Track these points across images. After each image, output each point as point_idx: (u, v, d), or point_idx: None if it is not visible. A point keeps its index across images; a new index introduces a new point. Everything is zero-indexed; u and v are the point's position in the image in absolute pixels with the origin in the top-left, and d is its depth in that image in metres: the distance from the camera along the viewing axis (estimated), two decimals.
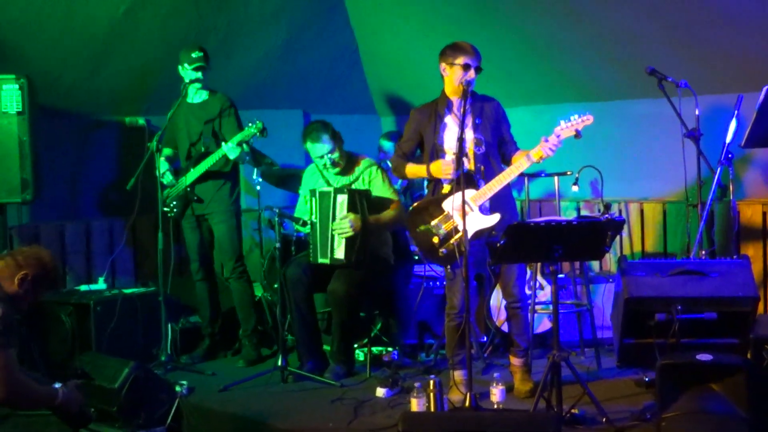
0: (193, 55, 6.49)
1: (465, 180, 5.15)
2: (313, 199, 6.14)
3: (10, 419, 4.26)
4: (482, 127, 5.37)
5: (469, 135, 5.35)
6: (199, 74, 6.49)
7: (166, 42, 7.16)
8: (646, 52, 6.57)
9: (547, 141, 5.14)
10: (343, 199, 5.99)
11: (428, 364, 6.24)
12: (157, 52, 7.22)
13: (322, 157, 6.16)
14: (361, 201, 6.00)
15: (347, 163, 6.27)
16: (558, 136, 5.10)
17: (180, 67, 6.57)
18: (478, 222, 5.27)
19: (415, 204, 5.53)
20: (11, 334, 3.97)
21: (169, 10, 7.05)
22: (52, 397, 4.16)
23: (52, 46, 6.85)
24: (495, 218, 5.28)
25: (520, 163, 5.24)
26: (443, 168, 5.30)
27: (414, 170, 5.56)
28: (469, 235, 5.10)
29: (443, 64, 5.43)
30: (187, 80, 6.52)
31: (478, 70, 5.33)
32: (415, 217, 5.45)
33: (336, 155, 6.18)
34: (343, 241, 5.96)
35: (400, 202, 6.27)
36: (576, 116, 5.09)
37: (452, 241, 5.26)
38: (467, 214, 5.11)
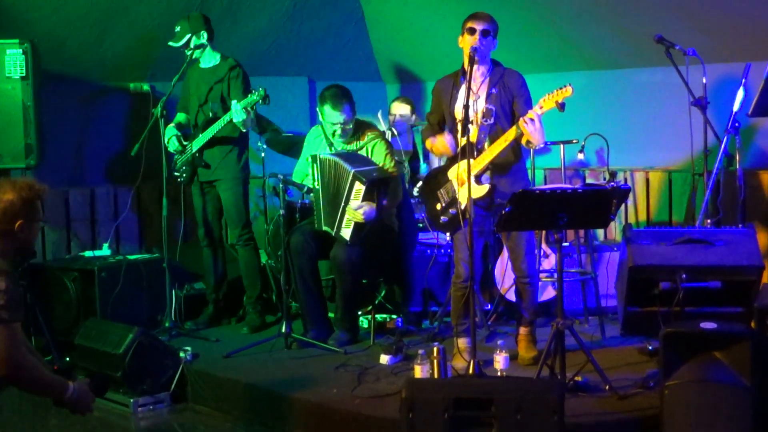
0: (175, 29, 6.53)
1: (468, 150, 5.12)
2: (315, 165, 6.06)
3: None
4: (496, 97, 5.33)
5: (480, 104, 5.32)
6: (189, 47, 6.48)
7: (170, 8, 7.12)
8: (654, 20, 6.51)
9: (531, 111, 5.16)
10: (360, 188, 5.86)
11: (432, 332, 6.24)
12: (161, 17, 7.18)
13: (335, 124, 6.10)
14: (379, 189, 5.93)
15: (355, 130, 6.22)
16: (540, 107, 5.11)
17: None
18: (472, 191, 5.23)
19: (430, 171, 5.69)
20: (15, 308, 3.85)
21: None
22: (62, 389, 3.92)
23: (57, 11, 6.82)
24: (484, 188, 5.31)
25: (507, 134, 5.24)
26: (441, 147, 5.47)
27: (428, 144, 5.60)
28: (463, 205, 5.18)
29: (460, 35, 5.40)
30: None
31: (485, 33, 5.27)
32: (427, 185, 5.65)
33: (350, 126, 6.14)
34: (353, 224, 5.92)
35: (398, 177, 6.19)
36: (556, 89, 5.10)
37: (450, 209, 5.43)
38: (463, 184, 5.19)
